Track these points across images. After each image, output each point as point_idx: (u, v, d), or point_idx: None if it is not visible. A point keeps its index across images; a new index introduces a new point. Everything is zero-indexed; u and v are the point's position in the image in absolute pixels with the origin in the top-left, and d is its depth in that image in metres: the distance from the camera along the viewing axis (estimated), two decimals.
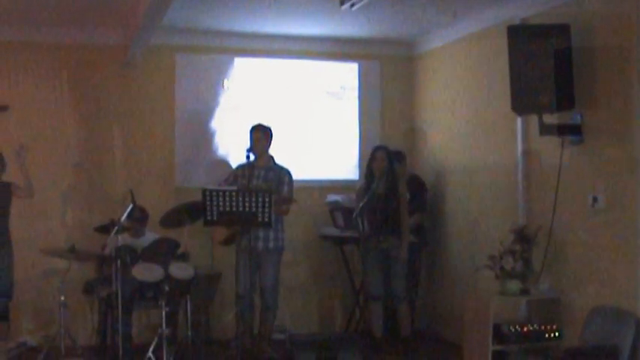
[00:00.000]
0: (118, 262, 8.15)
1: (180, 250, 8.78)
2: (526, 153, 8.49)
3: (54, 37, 9.77)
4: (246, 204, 8.07)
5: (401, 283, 9.25)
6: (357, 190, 9.53)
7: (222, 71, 10.55)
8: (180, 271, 8.44)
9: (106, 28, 9.73)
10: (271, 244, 8.95)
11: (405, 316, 9.35)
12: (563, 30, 7.40)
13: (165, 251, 8.65)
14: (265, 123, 9.18)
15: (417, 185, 9.95)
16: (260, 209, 8.08)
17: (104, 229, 8.63)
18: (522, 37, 7.57)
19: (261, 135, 9.04)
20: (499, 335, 7.70)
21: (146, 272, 8.36)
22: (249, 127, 9.12)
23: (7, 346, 8.74)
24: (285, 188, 8.97)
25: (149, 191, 9.83)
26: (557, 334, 7.75)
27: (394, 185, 9.20)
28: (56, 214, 9.84)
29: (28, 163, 8.88)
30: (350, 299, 10.46)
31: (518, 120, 8.48)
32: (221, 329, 9.91)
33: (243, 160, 8.94)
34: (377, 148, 9.41)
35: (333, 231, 10.20)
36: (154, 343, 8.16)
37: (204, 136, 10.50)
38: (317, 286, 10.79)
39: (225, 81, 10.54)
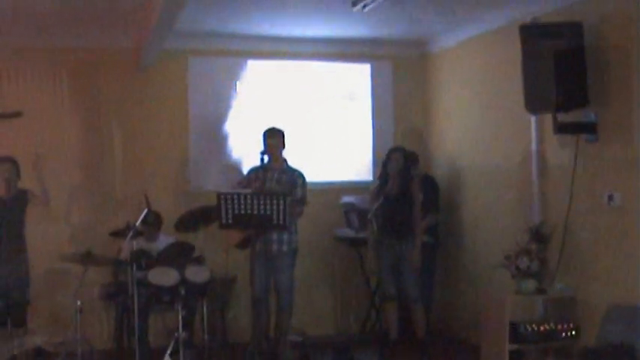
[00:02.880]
0: (134, 266, 8.17)
1: (195, 254, 8.79)
2: (540, 152, 8.48)
3: (67, 42, 9.78)
4: (261, 207, 8.07)
5: (414, 284, 9.24)
6: (371, 191, 9.52)
7: (234, 74, 10.56)
8: (195, 274, 8.46)
9: (120, 32, 9.74)
10: (285, 247, 8.94)
11: (419, 317, 9.33)
12: (575, 28, 7.39)
13: (180, 255, 8.67)
14: (278, 126, 9.18)
15: (430, 186, 9.94)
16: (275, 212, 8.08)
17: (119, 234, 8.66)
18: (535, 36, 7.55)
19: (274, 138, 9.03)
20: (516, 335, 7.68)
21: (162, 276, 8.38)
22: (263, 130, 9.11)
23: (22, 351, 8.76)
24: (299, 190, 8.96)
25: (163, 195, 9.84)
26: (573, 332, 7.74)
27: (408, 187, 9.20)
28: (71, 220, 9.86)
29: (44, 172, 8.91)
30: (365, 301, 10.44)
31: (532, 119, 8.46)
32: (237, 332, 9.90)
33: (257, 163, 8.96)
34: (393, 150, 9.42)
35: (347, 232, 10.20)
36: (170, 347, 8.18)
37: (217, 140, 10.51)
38: (332, 287, 10.79)
39: (238, 83, 10.55)
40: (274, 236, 8.84)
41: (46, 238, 9.53)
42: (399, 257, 9.20)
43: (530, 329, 7.71)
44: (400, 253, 9.18)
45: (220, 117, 10.51)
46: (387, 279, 9.34)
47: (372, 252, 9.45)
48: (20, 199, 8.85)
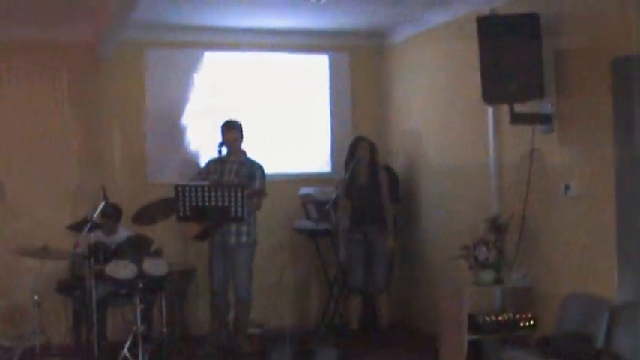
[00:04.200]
0: (92, 260, 8.12)
1: (153, 247, 8.76)
2: (498, 142, 8.51)
3: (24, 35, 9.67)
4: (219, 199, 8.07)
5: (383, 274, 9.34)
6: (339, 182, 9.51)
7: (192, 66, 10.53)
8: (153, 267, 8.42)
9: (76, 24, 9.65)
10: (244, 239, 8.94)
11: (384, 306, 9.40)
12: (532, 19, 7.41)
13: (138, 248, 8.62)
14: (236, 118, 9.16)
15: (389, 176, 9.96)
16: (232, 204, 8.08)
17: (77, 227, 8.58)
18: (492, 27, 7.57)
19: (231, 130, 9.03)
20: (474, 325, 7.72)
21: (119, 269, 8.32)
22: (221, 122, 9.09)
23: None
24: (258, 182, 8.96)
25: (121, 188, 9.79)
26: (531, 322, 7.78)
27: (376, 176, 9.26)
28: (28, 213, 9.76)
29: None
30: (324, 292, 10.46)
31: (489, 110, 8.50)
32: (196, 325, 9.89)
33: (215, 155, 8.95)
34: (358, 139, 9.50)
35: (306, 224, 10.20)
36: (129, 341, 8.13)
37: (175, 132, 10.47)
38: (291, 279, 10.79)
39: (196, 76, 10.51)
40: (233, 228, 8.84)
41: (3, 232, 9.45)
42: (370, 247, 9.26)
43: (488, 319, 7.74)
44: (371, 243, 9.24)
45: (178, 109, 10.47)
46: (356, 271, 9.40)
47: (342, 243, 9.49)
48: None
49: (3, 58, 9.83)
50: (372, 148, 9.51)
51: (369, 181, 9.31)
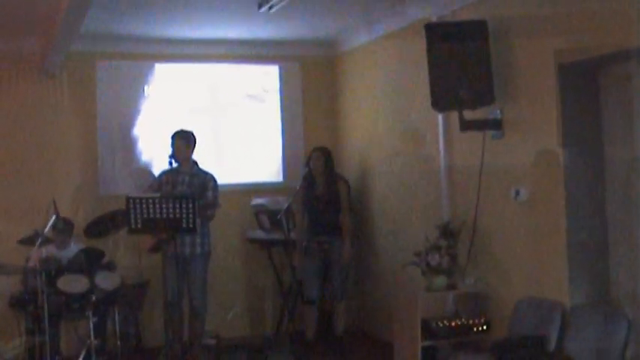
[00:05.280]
0: (43, 274, 8.06)
1: (105, 260, 8.71)
2: (448, 149, 8.55)
3: None
4: (170, 210, 8.04)
5: (341, 283, 9.37)
6: (296, 191, 9.50)
7: (143, 77, 10.49)
8: (106, 281, 8.40)
9: (24, 35, 9.59)
10: (198, 250, 8.92)
11: (341, 315, 9.43)
12: (480, 27, 7.47)
13: (90, 261, 8.58)
14: (187, 128, 9.14)
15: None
16: (184, 215, 8.06)
17: (28, 241, 8.52)
18: (440, 35, 7.60)
19: (181, 141, 9.01)
20: (428, 331, 7.75)
21: (71, 284, 8.29)
22: (171, 133, 9.07)
23: None
24: (210, 193, 8.96)
25: (73, 201, 9.73)
26: (484, 327, 7.82)
27: (333, 186, 9.29)
28: None
29: None
30: (278, 301, 10.45)
31: (440, 117, 8.55)
32: (151, 337, 9.85)
33: (167, 167, 8.93)
34: (314, 150, 9.54)
35: (259, 234, 10.20)
36: (82, 354, 8.12)
37: (127, 143, 10.42)
38: (245, 289, 10.79)
39: (147, 87, 10.48)
40: (187, 239, 8.82)
41: None
42: (327, 258, 9.27)
43: (442, 325, 7.77)
44: (328, 254, 9.25)
45: (129, 121, 10.42)
46: (311, 282, 9.42)
47: (299, 251, 9.49)
48: None
49: None
50: (327, 158, 9.49)
51: (326, 192, 9.32)
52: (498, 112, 7.59)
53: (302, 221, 9.54)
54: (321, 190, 9.30)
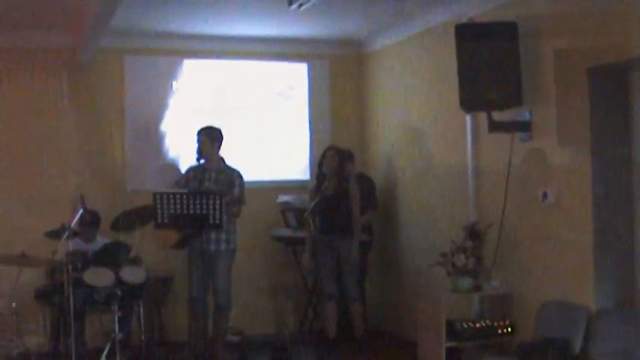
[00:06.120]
0: (69, 267, 8.09)
1: (131, 254, 8.74)
2: (476, 150, 8.54)
3: (3, 41, 9.64)
4: (197, 206, 8.05)
5: (353, 283, 9.27)
6: (310, 190, 9.52)
7: (171, 73, 10.51)
8: (131, 275, 8.41)
9: (55, 31, 9.63)
10: (223, 246, 8.91)
11: (357, 316, 9.36)
12: (510, 28, 7.46)
13: (116, 255, 8.61)
14: (213, 125, 9.14)
15: (365, 184, 9.95)
16: (211, 211, 8.07)
17: (55, 235, 8.56)
18: (470, 35, 7.61)
19: (207, 138, 9.01)
20: (452, 332, 7.74)
21: (97, 277, 8.31)
22: (198, 129, 9.09)
23: None
24: (236, 190, 8.95)
25: (100, 195, 9.73)
26: (509, 329, 7.81)
27: (344, 185, 9.22)
28: (5, 220, 9.70)
29: None
30: (303, 300, 10.45)
31: (468, 118, 8.53)
32: (174, 332, 9.85)
33: (194, 163, 8.94)
34: (327, 149, 9.44)
35: (284, 232, 10.20)
36: (107, 348, 8.12)
37: (154, 139, 10.45)
38: (270, 286, 10.79)
39: (175, 83, 10.50)
40: (212, 236, 8.81)
41: None
42: (339, 256, 9.22)
43: (466, 326, 7.77)
44: (339, 252, 9.20)
45: (157, 116, 10.45)
46: (326, 278, 9.36)
47: (308, 251, 9.47)
48: None
49: None
50: (341, 157, 9.41)
51: (337, 191, 9.24)
52: (527, 113, 7.57)
53: (313, 220, 9.44)
54: (331, 189, 9.22)
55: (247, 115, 10.77)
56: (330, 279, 9.33)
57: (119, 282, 8.27)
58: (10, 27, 9.40)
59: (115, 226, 8.96)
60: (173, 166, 10.36)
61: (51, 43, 9.90)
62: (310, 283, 10.18)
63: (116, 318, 8.10)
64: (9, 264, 8.47)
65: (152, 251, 9.57)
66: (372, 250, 10.26)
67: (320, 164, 9.38)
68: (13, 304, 8.31)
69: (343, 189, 9.21)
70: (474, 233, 8.10)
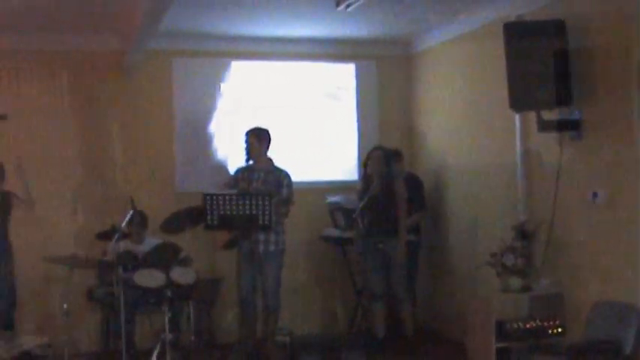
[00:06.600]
0: (120, 268, 8.15)
1: (181, 255, 8.78)
2: (525, 150, 8.49)
3: (52, 44, 9.75)
4: (247, 207, 8.09)
5: (401, 283, 9.25)
6: (357, 191, 9.52)
7: (219, 75, 10.56)
8: (181, 276, 8.45)
9: (104, 33, 9.73)
10: (272, 247, 8.93)
11: (406, 316, 9.35)
12: (558, 26, 7.41)
13: (166, 256, 8.65)
14: (261, 126, 9.17)
15: (414, 184, 9.92)
16: (260, 212, 8.11)
17: (105, 236, 8.64)
18: (518, 34, 7.57)
19: (256, 138, 9.04)
20: (502, 332, 7.69)
21: (148, 278, 8.36)
22: (246, 131, 9.11)
23: (10, 354, 8.73)
24: (285, 190, 8.97)
25: (149, 197, 9.79)
26: (559, 329, 7.75)
27: (391, 185, 9.20)
28: (57, 222, 9.80)
29: (27, 175, 8.90)
30: (352, 300, 10.44)
31: (517, 117, 8.48)
32: (224, 333, 9.91)
33: (243, 164, 8.97)
34: (373, 149, 9.43)
35: (333, 232, 10.20)
36: (157, 349, 8.16)
37: (203, 140, 10.50)
38: (319, 287, 10.80)
39: (223, 85, 10.54)
40: (261, 237, 8.83)
41: (32, 241, 9.47)
42: (386, 256, 9.21)
43: (516, 327, 7.71)
44: (386, 252, 9.18)
45: (205, 118, 10.50)
46: (374, 278, 9.35)
47: (356, 251, 9.47)
48: (4, 202, 8.81)
49: (33, 67, 9.88)
50: (387, 158, 9.38)
51: (384, 191, 9.21)
52: (577, 112, 7.52)
53: (361, 220, 9.42)
54: (377, 189, 9.19)
55: (295, 115, 10.79)
56: (378, 279, 9.32)
57: (169, 283, 8.31)
58: (59, 30, 9.50)
59: (165, 227, 9.01)
60: (222, 167, 10.40)
61: (100, 46, 9.98)
62: (359, 284, 10.17)
63: (166, 319, 8.14)
64: (61, 265, 8.55)
65: (202, 252, 9.63)
66: (421, 250, 10.22)
67: (366, 165, 9.37)
68: (65, 305, 8.36)
69: (390, 189, 9.19)
70: (524, 233, 8.05)
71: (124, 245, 8.65)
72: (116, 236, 8.31)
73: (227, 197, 8.17)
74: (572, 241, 7.74)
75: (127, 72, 10.07)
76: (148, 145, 10.27)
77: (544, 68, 7.36)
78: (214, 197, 8.18)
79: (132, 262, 8.51)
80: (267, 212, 8.12)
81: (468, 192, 9.71)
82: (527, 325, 7.75)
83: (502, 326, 7.70)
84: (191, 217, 8.88)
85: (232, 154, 10.26)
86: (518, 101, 7.63)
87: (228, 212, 8.13)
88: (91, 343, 9.51)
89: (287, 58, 10.78)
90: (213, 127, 10.52)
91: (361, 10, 8.41)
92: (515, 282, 7.89)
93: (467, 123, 9.73)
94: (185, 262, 8.81)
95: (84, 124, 10.06)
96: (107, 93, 10.12)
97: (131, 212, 8.46)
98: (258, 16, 9.32)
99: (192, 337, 8.58)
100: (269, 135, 9.13)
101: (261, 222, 8.16)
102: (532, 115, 7.91)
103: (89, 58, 10.04)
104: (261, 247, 8.89)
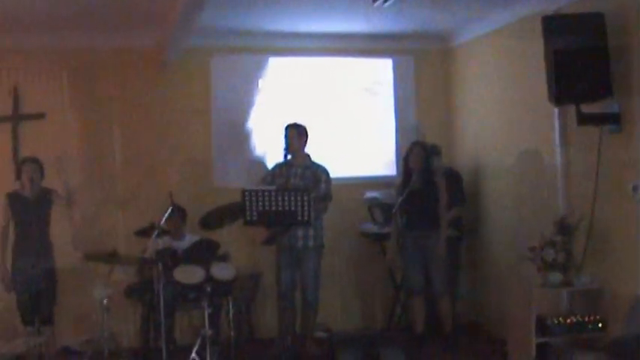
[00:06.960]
0: (160, 265, 8.19)
1: (220, 251, 8.81)
2: (564, 143, 8.44)
3: (90, 41, 9.81)
4: (285, 203, 8.10)
5: (441, 277, 9.23)
6: (396, 186, 9.51)
7: (257, 71, 10.58)
8: (221, 271, 8.47)
9: (142, 30, 9.75)
10: (311, 242, 8.94)
11: (446, 311, 9.32)
12: (597, 19, 7.37)
13: (205, 252, 8.67)
14: (300, 122, 9.18)
15: (453, 179, 9.90)
16: (299, 208, 8.11)
17: (144, 233, 8.68)
18: (557, 27, 7.53)
19: (295, 133, 9.05)
20: (542, 327, 7.67)
21: (187, 274, 8.38)
22: (285, 126, 9.12)
23: (51, 351, 8.80)
24: (323, 186, 8.97)
25: (188, 193, 9.82)
26: (600, 324, 7.71)
27: (431, 180, 9.18)
28: (96, 219, 9.86)
29: (67, 173, 8.96)
30: (391, 296, 10.43)
31: (555, 111, 8.43)
32: (263, 328, 9.94)
33: (281, 160, 8.98)
34: (413, 144, 9.41)
35: (372, 227, 10.19)
36: (197, 344, 8.18)
37: (241, 136, 10.53)
38: (358, 282, 10.80)
39: (260, 80, 10.56)
40: (300, 232, 8.85)
41: (72, 238, 9.49)
42: (426, 251, 9.19)
43: (557, 322, 7.69)
44: (426, 247, 9.17)
45: (243, 113, 10.52)
46: (413, 274, 9.33)
47: (394, 245, 9.45)
48: (44, 199, 8.86)
49: (72, 65, 9.95)
50: (427, 153, 9.36)
51: (424, 186, 9.18)
52: (616, 105, 7.46)
53: (401, 215, 9.40)
54: (418, 184, 9.16)
55: (333, 111, 10.78)
56: (417, 274, 9.30)
57: (209, 279, 8.33)
58: (97, 27, 9.54)
59: (204, 223, 9.03)
60: (259, 163, 10.42)
61: (137, 43, 10.02)
62: (398, 279, 10.15)
63: (206, 314, 8.16)
64: (100, 261, 8.60)
65: (241, 248, 9.65)
66: (462, 245, 10.19)
67: (406, 160, 9.35)
68: (105, 302, 8.42)
69: (430, 184, 9.17)
70: (564, 227, 8.00)
71: (163, 242, 8.69)
72: (155, 233, 8.35)
73: (266, 193, 8.18)
74: (613, 236, 7.69)
75: (165, 69, 10.11)
76: (186, 140, 10.31)
77: (583, 61, 7.32)
78: (253, 193, 8.20)
79: (171, 258, 8.55)
80: (305, 208, 8.13)
81: (507, 186, 9.67)
82: (568, 321, 7.72)
83: (542, 321, 7.68)
84: (230, 212, 8.90)
85: (270, 150, 10.27)
86: (558, 95, 7.58)
87: (267, 208, 8.15)
88: (131, 339, 9.56)
89: (324, 53, 10.78)
90: (250, 123, 10.53)
91: (398, 4, 8.38)
92: (556, 277, 7.85)
93: (505, 117, 9.69)
94: (224, 258, 8.83)
95: (122, 121, 10.11)
96: (145, 90, 10.17)
97: (170, 209, 8.49)
98: (295, 12, 9.33)
99: (232, 333, 8.59)
100: (307, 131, 9.14)
101: (300, 218, 8.16)
102: (571, 108, 7.86)
103: (127, 55, 10.08)
104: (300, 243, 8.90)
